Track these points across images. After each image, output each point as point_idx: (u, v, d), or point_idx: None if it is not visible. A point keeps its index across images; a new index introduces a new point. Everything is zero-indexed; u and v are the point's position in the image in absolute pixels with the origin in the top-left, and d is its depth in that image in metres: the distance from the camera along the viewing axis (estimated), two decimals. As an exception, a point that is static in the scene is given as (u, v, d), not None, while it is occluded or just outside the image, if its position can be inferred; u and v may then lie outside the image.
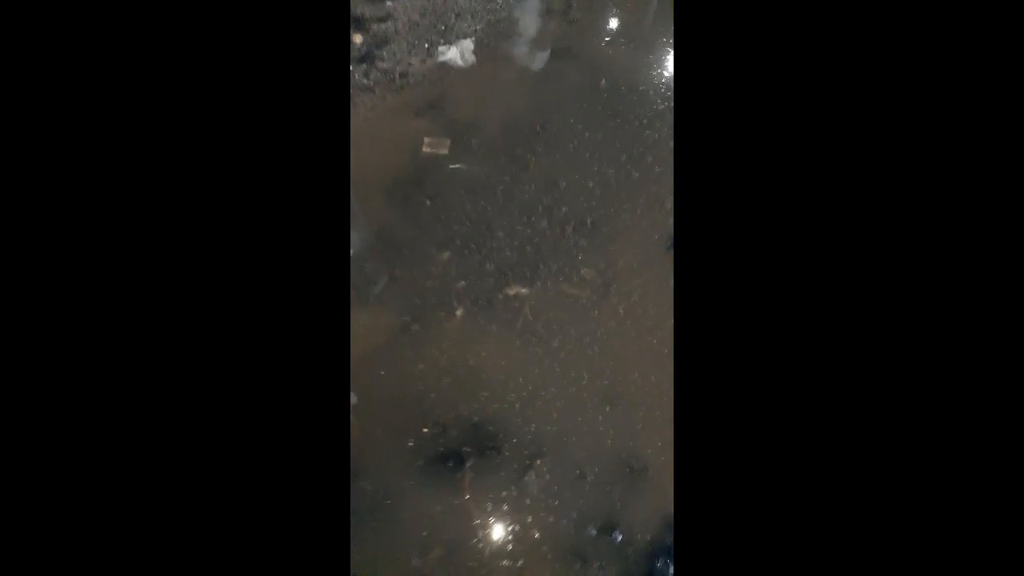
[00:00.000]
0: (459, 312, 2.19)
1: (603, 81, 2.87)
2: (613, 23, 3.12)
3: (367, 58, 2.86)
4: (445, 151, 2.59)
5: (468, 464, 1.91)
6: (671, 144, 2.66)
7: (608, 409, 2.01)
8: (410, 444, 1.93)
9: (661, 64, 2.97)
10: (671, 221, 2.44)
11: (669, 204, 2.48)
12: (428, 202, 2.44)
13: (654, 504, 1.90)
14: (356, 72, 2.80)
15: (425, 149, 2.60)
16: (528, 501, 1.86)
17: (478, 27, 3.05)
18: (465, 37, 3.01)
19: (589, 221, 2.41)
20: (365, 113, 2.67)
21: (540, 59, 2.93)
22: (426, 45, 2.93)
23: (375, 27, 2.98)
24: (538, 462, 1.92)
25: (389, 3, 3.08)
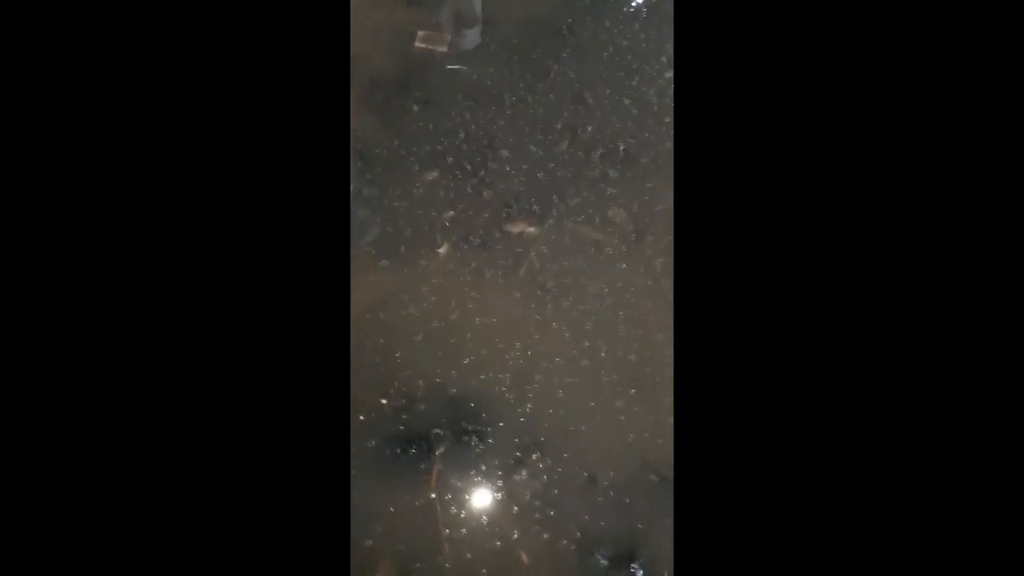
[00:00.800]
0: (442, 249, 1.64)
1: (650, -16, 2.27)
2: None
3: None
4: (443, 48, 2.01)
5: (438, 452, 1.39)
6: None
7: (633, 393, 1.48)
8: (360, 419, 1.40)
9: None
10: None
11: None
12: (415, 108, 1.87)
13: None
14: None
15: (418, 44, 2.02)
16: (516, 509, 1.35)
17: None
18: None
19: (622, 148, 1.84)
20: (344, -8, 2.08)
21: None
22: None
23: None
24: (534, 457, 1.40)
25: None
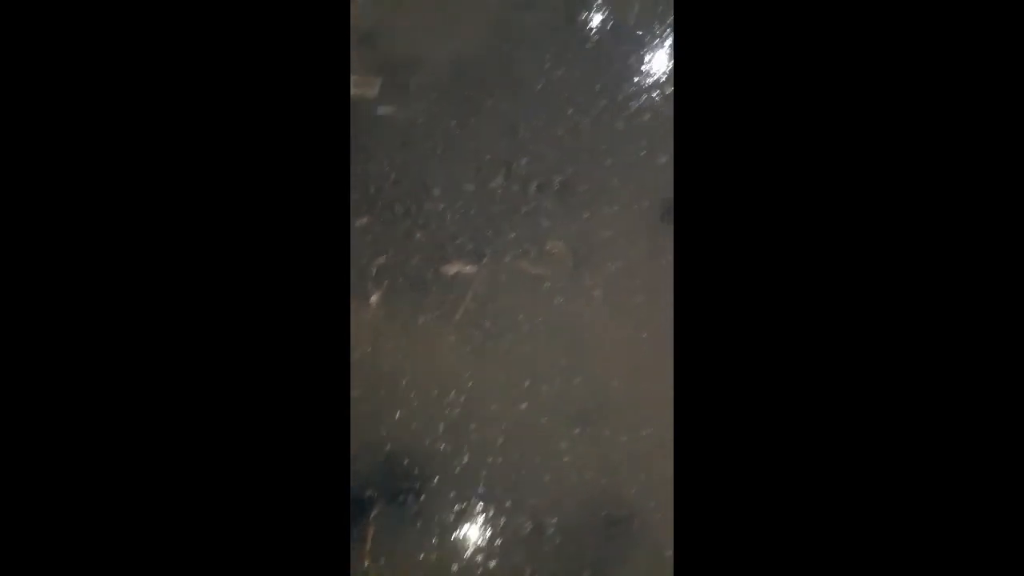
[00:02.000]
0: (373, 298, 1.59)
1: (585, 14, 2.27)
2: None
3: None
4: (374, 92, 1.99)
5: (372, 514, 1.31)
6: (669, 89, 2.08)
7: (578, 432, 1.41)
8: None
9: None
10: (666, 181, 1.85)
11: (664, 160, 1.89)
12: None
13: (644, 569, 1.30)
14: None
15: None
16: (456, 568, 1.26)
17: (428, -50, 2.45)
18: (411, -39, 2.40)
19: (558, 180, 1.81)
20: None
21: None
22: (360, -33, 2.33)
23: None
24: (475, 509, 1.32)
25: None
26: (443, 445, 1.37)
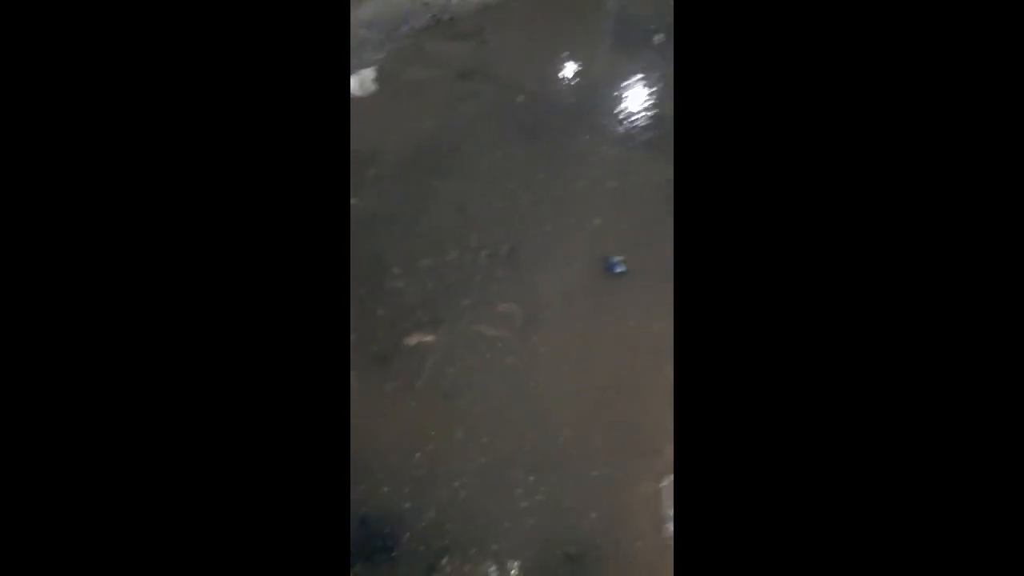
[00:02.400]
0: (345, 372, 1.75)
1: (520, 97, 2.55)
2: (531, 40, 2.85)
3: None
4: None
5: (351, 574, 1.42)
6: (597, 157, 2.32)
7: (532, 479, 1.54)
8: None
9: (581, 74, 2.67)
10: (601, 241, 2.06)
11: (597, 222, 2.10)
12: (315, 244, 2.05)
13: (602, 604, 1.40)
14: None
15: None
16: (431, 619, 1.37)
17: (380, 56, 2.76)
18: (366, 67, 2.71)
19: (505, 248, 2.01)
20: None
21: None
22: (322, 77, 2.63)
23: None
24: (443, 561, 1.43)
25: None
26: (410, 504, 1.49)
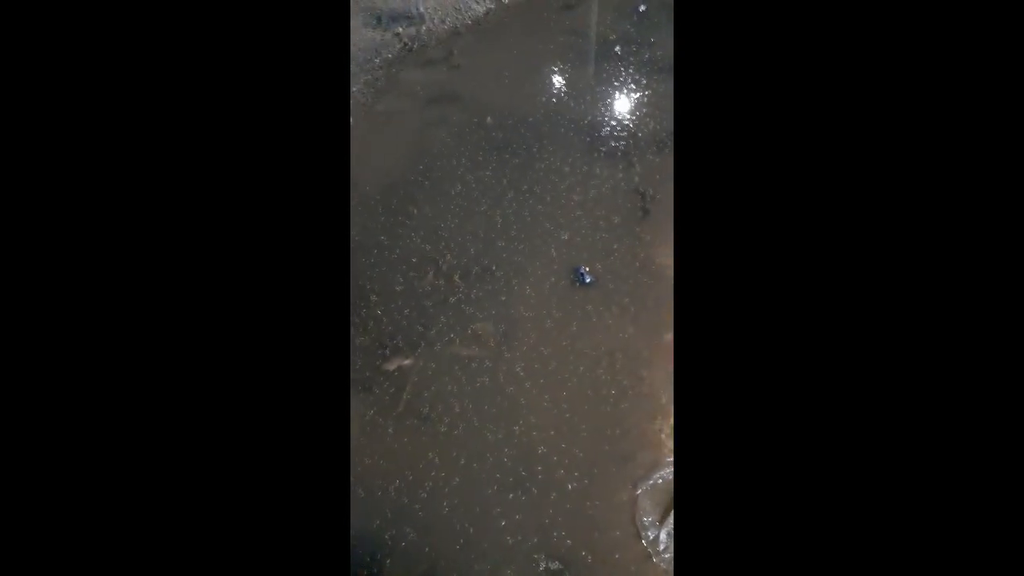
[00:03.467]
0: (327, 402, 1.76)
1: (489, 119, 2.56)
2: (498, 59, 2.86)
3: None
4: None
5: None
6: (564, 170, 2.32)
7: (512, 497, 1.53)
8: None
9: (547, 89, 2.67)
10: (571, 253, 2.05)
11: (565, 236, 2.09)
12: (295, 278, 2.07)
13: (585, 615, 1.39)
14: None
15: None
16: (417, 642, 1.36)
17: (355, 88, 2.79)
18: (341, 100, 2.74)
19: (478, 268, 2.01)
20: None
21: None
22: (299, 114, 2.66)
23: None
24: (428, 583, 1.43)
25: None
26: (391, 528, 1.49)
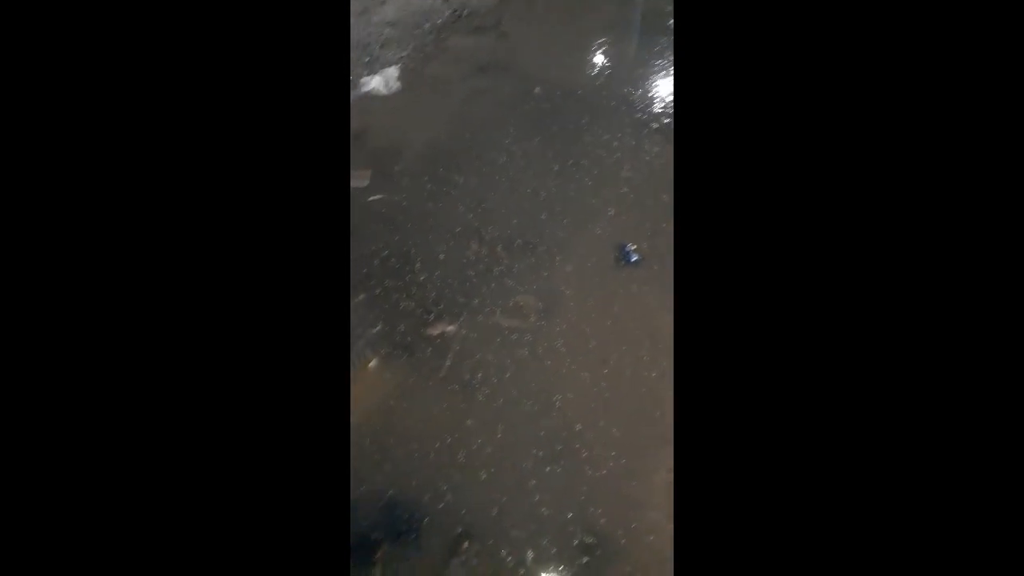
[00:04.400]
0: (372, 363, 1.76)
1: (537, 89, 2.47)
2: (547, 30, 2.74)
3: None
4: (365, 183, 2.22)
5: (378, 554, 1.44)
6: (612, 144, 2.22)
7: (548, 470, 1.52)
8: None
9: (597, 62, 2.55)
10: (616, 230, 1.98)
11: (611, 212, 2.02)
12: (342, 241, 2.05)
13: (616, 588, 1.38)
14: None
15: (342, 184, 2.23)
16: (451, 598, 1.38)
17: (404, 54, 2.72)
18: (390, 65, 2.68)
19: (522, 241, 1.96)
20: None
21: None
22: (349, 78, 2.61)
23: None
24: (465, 545, 1.44)
25: (311, 42, 2.79)
26: (430, 491, 1.50)
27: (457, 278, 1.89)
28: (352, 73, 2.63)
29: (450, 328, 1.80)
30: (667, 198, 2.00)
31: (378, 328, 1.81)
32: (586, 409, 1.59)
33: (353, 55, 2.72)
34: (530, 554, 1.40)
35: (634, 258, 1.87)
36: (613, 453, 1.51)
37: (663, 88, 2.40)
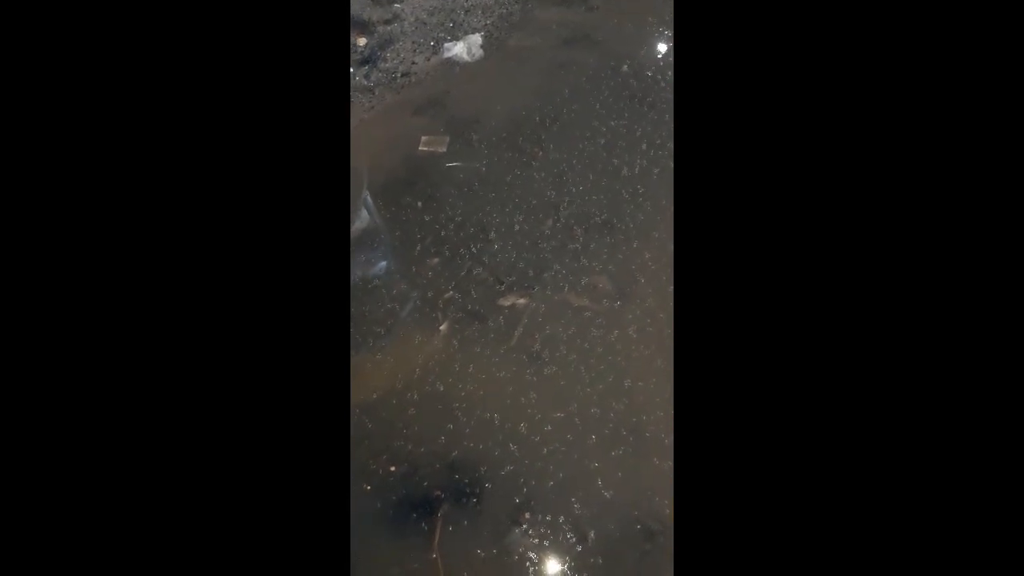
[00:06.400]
0: (443, 327, 1.71)
1: (625, 66, 2.30)
2: (638, 5, 2.55)
3: (370, 60, 2.48)
4: (443, 149, 2.14)
5: (440, 513, 1.41)
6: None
7: (615, 454, 1.44)
8: (367, 488, 1.46)
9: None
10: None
11: (698, 197, 1.88)
12: (419, 204, 1.99)
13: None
14: (357, 74, 2.42)
15: (421, 148, 2.16)
16: (511, 558, 1.33)
17: (488, 21, 2.59)
18: (474, 32, 2.56)
19: (600, 220, 1.85)
20: (361, 114, 2.27)
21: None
22: (431, 43, 2.51)
23: (381, 29, 2.61)
24: (526, 515, 1.39)
25: (397, 5, 2.70)
26: (502, 458, 1.45)
27: (531, 251, 1.81)
28: (434, 38, 2.53)
29: (522, 300, 1.72)
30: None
31: (450, 293, 1.76)
32: (655, 398, 1.49)
33: (436, 20, 2.61)
34: (592, 534, 1.33)
35: (718, 248, 1.73)
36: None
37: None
